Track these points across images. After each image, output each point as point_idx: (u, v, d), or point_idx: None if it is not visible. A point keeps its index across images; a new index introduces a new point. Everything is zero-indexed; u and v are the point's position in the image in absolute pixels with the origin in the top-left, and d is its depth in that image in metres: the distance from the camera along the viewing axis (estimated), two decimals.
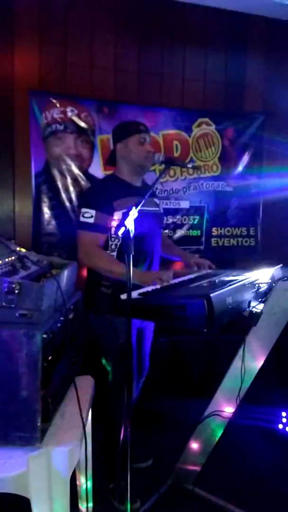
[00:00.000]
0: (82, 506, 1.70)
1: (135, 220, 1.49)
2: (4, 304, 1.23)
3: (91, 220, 1.92)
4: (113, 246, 1.98)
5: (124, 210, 1.90)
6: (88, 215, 1.92)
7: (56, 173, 2.91)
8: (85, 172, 2.97)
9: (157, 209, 2.18)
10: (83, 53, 2.97)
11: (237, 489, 2.10)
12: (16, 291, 1.22)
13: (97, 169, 2.98)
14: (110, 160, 2.14)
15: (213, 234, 3.37)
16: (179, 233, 3.27)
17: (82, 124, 2.94)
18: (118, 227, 1.92)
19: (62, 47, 2.92)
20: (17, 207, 2.90)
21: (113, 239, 1.97)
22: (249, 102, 3.39)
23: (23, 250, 1.60)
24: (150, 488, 2.00)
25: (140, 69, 3.11)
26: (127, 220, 1.47)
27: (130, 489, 1.50)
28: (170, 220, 3.21)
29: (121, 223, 1.74)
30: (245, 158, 3.37)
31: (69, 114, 2.89)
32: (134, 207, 1.50)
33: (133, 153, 2.03)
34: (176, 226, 3.25)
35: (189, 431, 1.93)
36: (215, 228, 3.37)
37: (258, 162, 3.40)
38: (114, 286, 1.93)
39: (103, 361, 2.04)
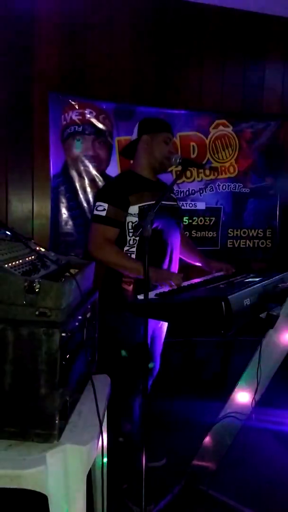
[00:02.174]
0: (97, 504, 1.71)
1: (153, 218, 1.50)
2: (24, 302, 1.25)
3: (103, 213, 1.94)
4: (131, 242, 1.99)
5: (140, 204, 1.93)
6: (101, 208, 1.94)
7: (74, 174, 2.94)
8: (103, 173, 3.00)
9: (174, 203, 2.19)
10: (101, 55, 2.99)
11: (252, 492, 2.08)
12: (37, 290, 1.24)
13: (115, 170, 3.00)
14: (128, 151, 2.16)
15: (229, 235, 3.36)
16: (195, 234, 3.27)
17: (100, 126, 2.96)
18: (136, 228, 1.93)
19: (81, 49, 2.95)
20: (35, 207, 2.94)
21: (130, 234, 1.98)
22: (267, 104, 3.38)
23: (42, 249, 1.63)
24: (163, 488, 2.00)
25: (158, 71, 3.12)
26: (145, 218, 1.48)
27: (145, 490, 1.51)
28: (186, 221, 3.21)
29: (139, 221, 1.75)
30: (262, 160, 3.34)
31: (88, 116, 2.93)
32: (152, 210, 1.51)
33: (157, 149, 2.05)
34: (192, 227, 3.25)
35: (203, 431, 1.93)
36: (231, 229, 3.36)
37: (275, 164, 3.38)
38: (135, 282, 1.94)
39: (119, 358, 2.05)
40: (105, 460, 1.59)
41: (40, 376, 1.22)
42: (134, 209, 1.94)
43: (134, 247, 1.99)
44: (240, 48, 3.29)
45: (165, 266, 2.05)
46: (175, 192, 3.08)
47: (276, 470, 2.27)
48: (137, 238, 1.97)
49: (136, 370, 1.95)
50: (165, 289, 1.78)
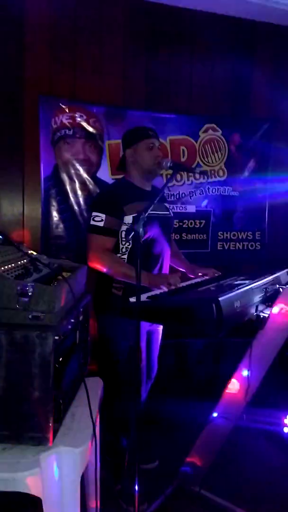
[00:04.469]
0: (91, 507, 1.72)
1: (146, 224, 1.52)
2: (17, 306, 1.25)
3: (101, 224, 1.96)
4: (123, 250, 2.02)
5: (134, 214, 1.95)
6: (98, 219, 1.96)
7: (64, 177, 2.95)
8: (93, 177, 3.01)
9: (167, 213, 2.21)
10: (92, 60, 3.01)
11: (243, 492, 2.11)
12: (29, 294, 1.25)
13: (105, 174, 3.02)
14: (121, 166, 2.18)
15: (219, 238, 3.39)
16: (185, 237, 3.29)
17: (91, 129, 2.98)
18: (128, 232, 1.95)
19: (71, 54, 2.96)
20: (26, 211, 2.94)
21: (123, 242, 2.00)
22: (256, 108, 3.43)
23: (34, 253, 1.63)
24: (156, 490, 2.01)
25: (148, 75, 3.14)
26: (137, 225, 1.50)
27: (138, 491, 1.52)
28: (177, 224, 3.23)
29: (131, 228, 1.76)
30: (251, 163, 3.39)
31: (78, 119, 2.94)
32: (143, 213, 1.53)
33: (142, 159, 2.06)
34: (182, 230, 3.27)
35: (195, 432, 1.95)
36: (221, 232, 3.39)
37: (263, 167, 3.43)
38: (125, 287, 1.97)
39: (112, 362, 2.07)
40: (98, 462, 1.60)
41: (33, 380, 1.22)
42: (128, 218, 1.97)
43: (126, 254, 2.02)
44: (229, 53, 3.33)
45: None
46: (166, 195, 3.11)
47: (267, 469, 2.30)
48: (129, 246, 2.00)
49: (130, 372, 1.96)
50: (157, 291, 1.80)
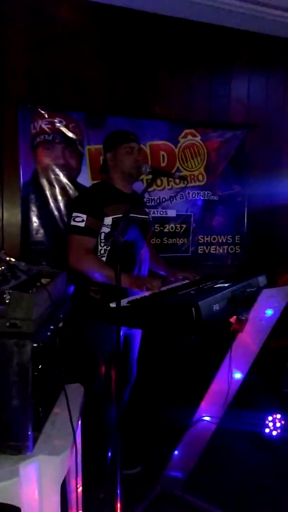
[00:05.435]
0: None
1: (125, 227, 1.53)
2: None
3: (82, 224, 1.94)
4: (102, 251, 2.01)
5: (114, 216, 1.96)
6: (79, 219, 1.95)
7: (44, 183, 2.93)
8: (74, 182, 3.00)
9: (147, 216, 2.22)
10: (72, 65, 3.01)
11: (226, 494, 2.12)
12: (7, 301, 1.23)
13: (86, 179, 3.01)
14: (103, 169, 2.19)
15: (200, 242, 3.43)
16: (166, 241, 3.32)
17: (70, 135, 2.97)
18: (108, 234, 1.95)
19: (51, 59, 2.96)
20: (5, 216, 2.91)
21: (102, 244, 2.00)
22: (233, 114, 3.48)
23: (12, 259, 1.62)
24: (139, 495, 2.01)
25: (128, 81, 3.16)
26: (117, 228, 1.50)
27: (121, 497, 1.52)
28: (158, 229, 3.26)
29: (111, 230, 1.76)
30: (230, 168, 3.44)
31: (57, 124, 2.93)
32: (123, 219, 1.54)
33: (121, 162, 2.07)
34: (163, 235, 3.29)
35: (177, 436, 1.95)
36: (201, 236, 3.43)
37: (242, 172, 3.48)
38: (103, 291, 1.96)
39: (92, 367, 2.06)
40: (79, 469, 1.59)
41: (12, 388, 1.21)
42: (108, 220, 1.97)
43: (105, 256, 2.01)
44: (207, 61, 3.38)
45: None
46: (146, 200, 3.13)
47: (250, 471, 2.32)
48: (108, 248, 1.99)
49: (110, 378, 1.96)
50: (137, 296, 1.80)
